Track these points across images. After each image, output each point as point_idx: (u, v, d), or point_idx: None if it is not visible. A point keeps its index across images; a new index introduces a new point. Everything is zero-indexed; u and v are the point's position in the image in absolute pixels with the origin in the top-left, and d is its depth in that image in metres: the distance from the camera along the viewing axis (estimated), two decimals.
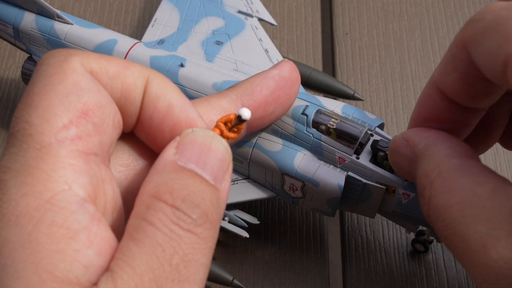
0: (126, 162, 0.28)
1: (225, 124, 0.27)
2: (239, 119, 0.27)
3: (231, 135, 0.28)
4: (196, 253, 0.24)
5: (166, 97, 0.27)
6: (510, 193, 0.27)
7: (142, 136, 0.28)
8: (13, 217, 0.22)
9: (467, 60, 0.30)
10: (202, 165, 0.25)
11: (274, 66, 0.34)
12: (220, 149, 0.26)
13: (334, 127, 0.39)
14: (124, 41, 0.45)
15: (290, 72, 0.34)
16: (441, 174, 0.29)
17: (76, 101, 0.25)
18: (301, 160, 0.39)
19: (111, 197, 0.25)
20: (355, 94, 0.49)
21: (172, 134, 0.27)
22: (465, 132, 0.33)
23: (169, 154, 0.25)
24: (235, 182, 0.42)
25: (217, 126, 0.27)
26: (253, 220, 0.43)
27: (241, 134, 0.31)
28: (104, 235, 0.23)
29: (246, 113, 0.27)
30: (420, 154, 0.31)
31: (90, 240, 0.23)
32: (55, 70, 0.25)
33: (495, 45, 0.27)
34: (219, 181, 0.25)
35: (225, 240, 0.45)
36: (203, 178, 0.25)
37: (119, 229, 0.26)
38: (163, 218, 0.23)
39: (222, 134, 0.27)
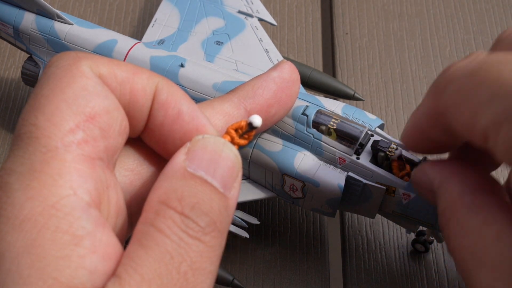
0: (131, 167, 0.28)
1: (236, 131, 0.27)
2: (250, 126, 0.27)
3: (242, 142, 0.28)
4: (204, 261, 0.24)
5: (176, 104, 0.27)
6: None
7: (150, 142, 0.28)
8: (18, 221, 0.22)
9: (445, 124, 0.29)
10: (212, 172, 0.25)
11: (274, 67, 0.34)
12: (230, 157, 0.26)
13: (334, 127, 0.39)
14: (124, 41, 0.45)
15: (290, 73, 0.34)
16: (453, 214, 0.29)
17: (84, 106, 0.25)
18: (301, 161, 0.39)
19: (115, 202, 0.25)
20: (355, 94, 0.49)
21: (181, 141, 0.27)
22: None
23: (179, 160, 0.25)
24: None
25: (227, 133, 0.28)
26: (253, 220, 0.43)
27: None
28: (108, 241, 0.23)
29: (257, 120, 0.27)
30: (437, 191, 0.31)
31: (94, 246, 0.23)
32: (64, 73, 0.25)
33: (468, 119, 0.27)
34: (228, 189, 0.25)
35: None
36: (212, 186, 0.25)
37: (123, 234, 0.26)
38: (171, 225, 0.23)
39: (232, 141, 0.27)
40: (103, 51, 0.45)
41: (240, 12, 0.50)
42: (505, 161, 0.26)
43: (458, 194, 0.29)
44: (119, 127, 0.26)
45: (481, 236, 0.27)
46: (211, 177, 0.25)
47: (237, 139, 0.27)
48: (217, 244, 0.24)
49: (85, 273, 0.22)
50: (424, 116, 0.31)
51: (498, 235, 0.26)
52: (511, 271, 0.25)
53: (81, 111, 0.24)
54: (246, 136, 0.28)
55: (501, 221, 0.27)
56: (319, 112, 0.40)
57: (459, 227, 0.28)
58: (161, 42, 0.48)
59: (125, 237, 0.27)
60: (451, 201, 0.29)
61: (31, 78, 0.48)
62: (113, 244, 0.23)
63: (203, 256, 0.24)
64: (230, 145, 0.26)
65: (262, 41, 0.48)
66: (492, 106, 0.25)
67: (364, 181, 0.38)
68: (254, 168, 0.41)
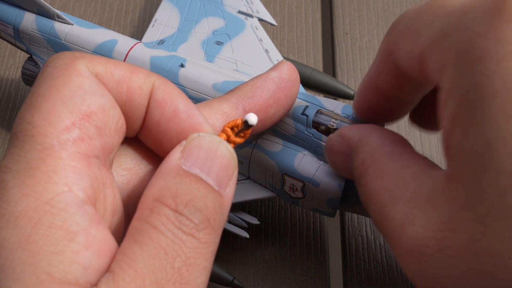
0: (129, 166, 0.28)
1: (232, 129, 0.28)
2: (246, 125, 0.27)
3: (238, 140, 0.28)
4: (198, 257, 0.24)
5: (173, 103, 0.27)
6: (431, 175, 0.27)
7: (146, 141, 0.28)
8: (12, 217, 0.23)
9: (393, 65, 0.31)
10: (207, 170, 0.25)
11: (273, 67, 0.34)
12: (226, 155, 0.26)
13: (335, 127, 0.39)
14: (124, 41, 0.45)
15: (289, 73, 0.34)
16: (374, 161, 0.30)
17: (80, 104, 0.25)
18: (301, 161, 0.39)
19: (111, 200, 0.26)
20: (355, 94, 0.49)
21: (178, 139, 0.27)
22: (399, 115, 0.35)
23: (174, 158, 0.25)
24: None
25: (223, 131, 0.28)
26: (253, 220, 0.43)
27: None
28: (103, 238, 0.23)
29: (253, 119, 0.27)
30: (355, 147, 0.32)
31: (89, 242, 0.23)
32: (60, 73, 0.25)
33: (409, 46, 0.28)
34: (223, 187, 0.25)
35: (225, 240, 0.45)
36: (207, 183, 0.25)
37: (119, 233, 0.26)
38: (166, 222, 0.23)
39: (228, 140, 0.27)
40: (103, 51, 0.45)
41: (240, 12, 0.50)
42: (436, 83, 0.27)
43: (379, 145, 0.31)
44: (116, 125, 0.26)
45: (399, 177, 0.28)
46: (206, 175, 0.25)
47: (233, 137, 0.28)
48: (211, 241, 0.24)
49: (79, 269, 0.22)
50: (374, 65, 0.33)
51: (414, 175, 0.28)
52: (426, 200, 0.26)
53: (77, 110, 0.25)
54: (242, 134, 0.28)
55: (418, 165, 0.28)
56: (319, 112, 0.40)
57: (379, 172, 0.30)
58: (161, 42, 0.48)
59: (122, 236, 0.27)
60: (371, 151, 0.31)
61: (31, 78, 0.48)
62: (108, 241, 0.24)
63: (197, 252, 0.24)
64: (226, 143, 0.26)
65: (262, 41, 0.48)
66: (430, 27, 0.27)
67: None
68: (254, 168, 0.41)
